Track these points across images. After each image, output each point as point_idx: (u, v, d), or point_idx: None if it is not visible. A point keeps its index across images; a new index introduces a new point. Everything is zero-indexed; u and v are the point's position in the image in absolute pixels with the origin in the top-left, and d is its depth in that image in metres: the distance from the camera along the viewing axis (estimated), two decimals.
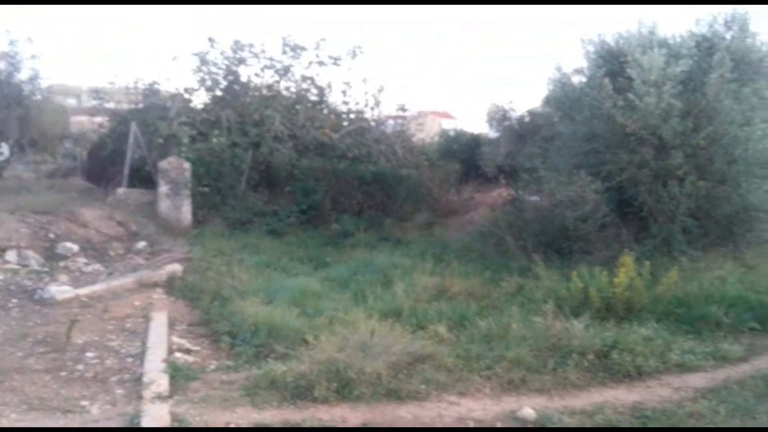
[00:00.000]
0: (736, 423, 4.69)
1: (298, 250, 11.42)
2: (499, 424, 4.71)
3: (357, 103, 16.08)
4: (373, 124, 16.05)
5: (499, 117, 14.53)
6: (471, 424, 4.71)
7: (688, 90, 8.49)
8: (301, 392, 5.03)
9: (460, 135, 19.00)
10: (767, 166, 8.61)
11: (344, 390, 5.03)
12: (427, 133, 19.09)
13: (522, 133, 13.40)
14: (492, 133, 16.98)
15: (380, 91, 15.93)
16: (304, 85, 15.75)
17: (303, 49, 15.40)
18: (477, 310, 7.18)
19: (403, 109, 16.64)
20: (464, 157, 16.69)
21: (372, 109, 16.00)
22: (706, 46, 8.89)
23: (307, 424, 4.57)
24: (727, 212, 8.55)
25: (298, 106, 15.05)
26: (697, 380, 5.64)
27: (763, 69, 8.99)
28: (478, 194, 15.72)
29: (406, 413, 4.85)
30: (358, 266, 9.66)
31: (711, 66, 8.38)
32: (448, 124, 23.46)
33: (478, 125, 17.46)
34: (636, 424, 4.72)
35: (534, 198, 11.47)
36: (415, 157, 15.36)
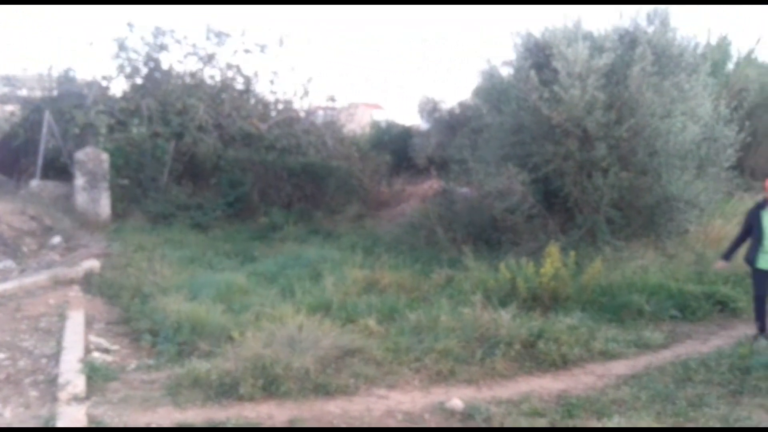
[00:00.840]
0: (656, 408, 4.80)
1: (225, 244, 11.09)
2: (427, 416, 4.67)
3: (285, 93, 15.76)
4: (302, 114, 15.76)
5: (430, 109, 14.54)
6: (399, 417, 4.65)
7: (611, 83, 8.66)
8: (225, 390, 4.88)
9: (391, 126, 18.93)
10: (687, 157, 8.90)
11: (271, 386, 4.91)
12: (359, 124, 18.95)
13: (453, 125, 13.45)
14: (423, 125, 17.00)
15: (309, 81, 15.67)
16: (230, 74, 15.29)
17: (228, 36, 14.95)
18: (407, 303, 7.15)
19: (333, 99, 16.42)
20: (395, 148, 16.64)
21: (301, 99, 15.72)
22: (628, 40, 9.10)
23: (232, 423, 4.42)
24: (649, 203, 8.78)
25: (223, 95, 14.61)
26: (620, 367, 5.78)
27: (682, 63, 9.26)
28: (409, 186, 15.71)
29: (334, 408, 4.76)
30: (287, 260, 9.46)
31: (633, 59, 8.57)
32: (380, 116, 23.34)
33: (410, 117, 17.46)
34: (561, 412, 4.76)
35: (464, 190, 11.52)
36: (345, 149, 15.17)
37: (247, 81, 15.49)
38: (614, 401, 4.96)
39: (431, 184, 14.80)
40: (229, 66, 15.18)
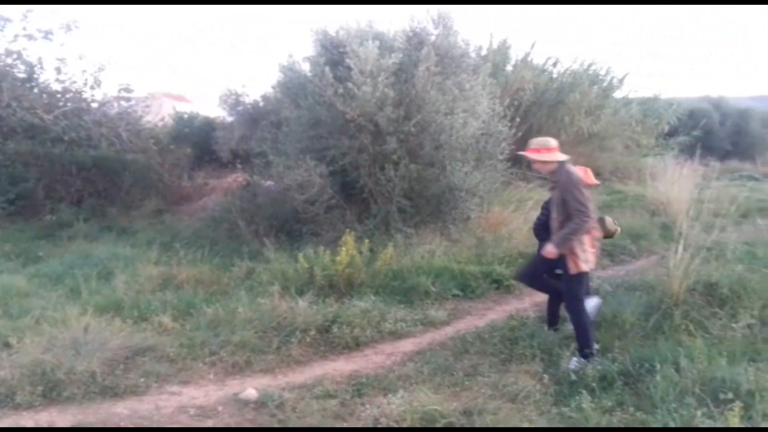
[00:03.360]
0: (437, 381, 5.21)
1: (4, 244, 10.11)
2: (220, 408, 4.71)
3: (74, 82, 14.56)
4: (94, 105, 14.70)
5: (233, 101, 14.30)
6: (192, 412, 4.64)
7: (400, 81, 9.20)
8: (1, 400, 4.58)
9: (193, 118, 18.32)
10: (467, 150, 9.73)
11: (52, 393, 4.70)
12: (159, 115, 18.08)
13: (256, 118, 13.35)
14: (228, 118, 16.66)
15: (101, 69, 14.64)
16: (9, 60, 13.82)
17: (7, 20, 13.52)
18: (205, 297, 7.07)
19: (127, 90, 15.47)
20: (198, 141, 16.17)
21: (92, 88, 14.64)
22: (415, 41, 9.70)
23: None
24: (435, 192, 9.47)
25: (2, 84, 13.18)
26: (407, 345, 6.20)
27: (463, 64, 10.09)
28: (212, 180, 15.37)
29: (122, 409, 4.63)
30: (75, 259, 8.88)
31: (419, 59, 9.19)
32: (183, 108, 22.39)
33: (215, 109, 16.98)
34: (351, 391, 5.03)
35: (269, 183, 11.56)
36: (142, 141, 14.41)
37: (30, 69, 14.09)
38: (400, 377, 5.31)
39: (235, 178, 14.63)
40: (9, 52, 13.72)
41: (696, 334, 5.58)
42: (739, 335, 5.61)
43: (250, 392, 4.90)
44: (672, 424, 4.03)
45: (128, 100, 15.50)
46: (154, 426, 4.40)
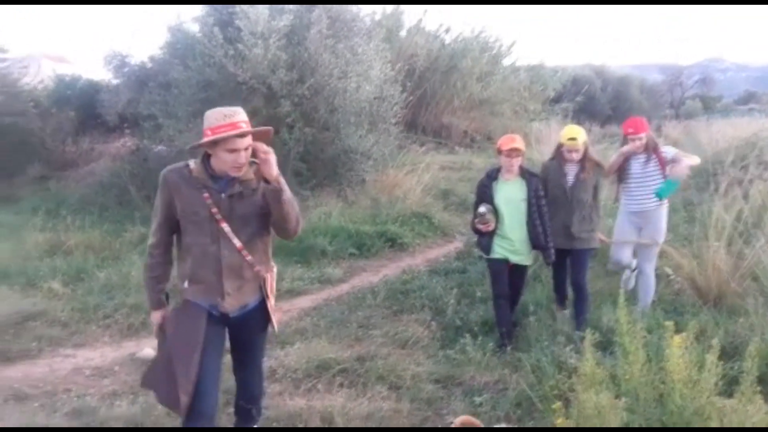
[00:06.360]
0: (333, 333, 5.45)
1: None
2: (117, 368, 4.73)
3: None
4: None
5: (118, 62, 13.68)
6: (88, 372, 4.65)
7: (292, 43, 9.21)
8: None
9: (75, 81, 17.34)
10: (361, 114, 9.93)
11: None
12: (38, 77, 17.00)
13: (143, 80, 12.86)
14: (113, 80, 15.91)
15: None
16: None
17: None
18: (96, 263, 6.96)
19: (2, 50, 14.47)
20: (81, 104, 15.34)
21: None
22: (307, 3, 9.71)
23: None
24: (331, 155, 9.63)
25: None
26: (304, 302, 6.39)
27: (355, 27, 10.22)
28: (99, 145, 14.72)
29: (15, 373, 4.59)
30: None
31: (311, 22, 9.22)
32: (64, 70, 21.10)
33: (99, 71, 16.12)
34: None
35: (160, 147, 11.26)
36: (21, 104, 13.58)
37: None
38: (297, 331, 5.49)
39: (124, 142, 14.11)
40: None
41: None
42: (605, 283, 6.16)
43: (148, 351, 4.93)
44: (544, 360, 4.46)
45: (3, 60, 14.51)
46: (49, 388, 4.36)
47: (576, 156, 5.06)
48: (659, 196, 5.18)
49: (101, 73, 15.15)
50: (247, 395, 3.34)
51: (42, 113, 13.76)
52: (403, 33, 17.09)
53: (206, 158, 2.95)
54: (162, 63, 10.87)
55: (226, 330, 3.12)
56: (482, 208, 4.80)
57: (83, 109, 14.82)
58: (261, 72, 8.70)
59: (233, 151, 2.80)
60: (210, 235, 2.93)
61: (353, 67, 9.69)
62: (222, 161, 2.85)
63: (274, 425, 3.77)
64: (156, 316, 3.13)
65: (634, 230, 5.44)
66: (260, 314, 3.13)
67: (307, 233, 8.09)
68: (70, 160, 13.59)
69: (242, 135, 2.78)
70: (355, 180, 10.05)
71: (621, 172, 5.34)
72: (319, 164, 9.69)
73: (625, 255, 5.57)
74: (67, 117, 13.99)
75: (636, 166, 5.26)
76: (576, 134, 5.07)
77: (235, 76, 8.74)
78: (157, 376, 3.00)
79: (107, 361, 4.86)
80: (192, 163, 2.97)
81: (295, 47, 9.10)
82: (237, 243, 2.94)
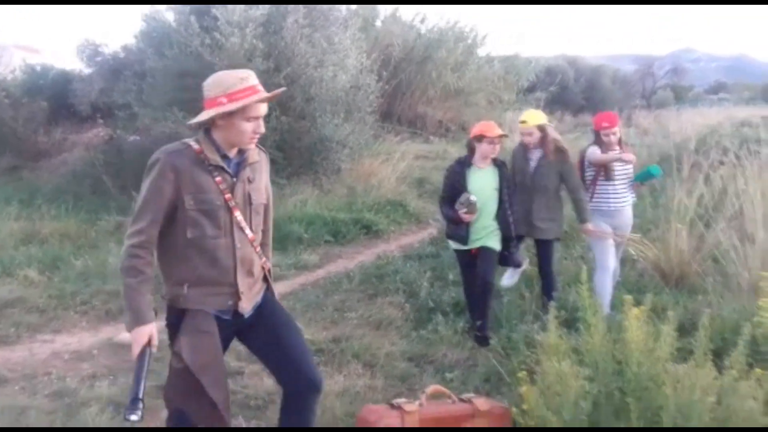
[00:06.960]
0: (309, 316, 5.57)
1: None
2: (95, 352, 4.79)
3: None
4: None
5: (91, 52, 13.59)
6: (67, 357, 4.70)
7: (269, 32, 9.25)
8: None
9: (47, 70, 17.16)
10: (337, 103, 10.01)
11: None
12: (9, 67, 16.80)
13: (117, 69, 12.80)
14: (85, 69, 15.77)
15: None
16: None
17: None
18: (72, 251, 6.99)
19: None
20: (53, 94, 15.19)
21: None
22: (283, 4, 9.74)
23: None
24: (307, 144, 9.70)
25: None
26: (281, 287, 6.41)
27: (331, 17, 10.28)
28: (72, 135, 14.60)
29: None
30: None
31: (288, 11, 9.27)
32: (34, 60, 20.83)
33: (70, 61, 15.95)
34: None
35: (134, 137, 11.25)
36: None
37: None
38: None
39: (97, 132, 14.02)
40: None
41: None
42: (572, 264, 6.36)
43: (126, 335, 4.95)
44: (515, 337, 4.61)
45: None
46: (29, 371, 4.42)
47: (530, 139, 4.99)
48: (640, 179, 5.33)
49: (72, 63, 15.06)
50: (309, 380, 2.65)
51: (13, 103, 13.60)
52: (378, 23, 17.15)
53: (208, 134, 2.53)
54: (137, 52, 10.84)
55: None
56: (472, 197, 4.62)
57: (55, 99, 14.68)
58: (238, 61, 8.72)
59: (255, 118, 2.49)
60: (223, 226, 2.51)
61: (329, 57, 9.76)
62: (239, 131, 2.47)
63: (252, 403, 3.89)
64: (144, 334, 2.48)
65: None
66: (268, 297, 2.81)
67: (284, 221, 8.19)
68: (42, 150, 13.47)
69: (267, 99, 2.51)
70: (330, 168, 10.14)
71: (608, 172, 5.09)
72: (295, 153, 9.75)
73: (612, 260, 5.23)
74: (39, 107, 13.84)
75: (618, 164, 5.08)
76: (527, 117, 5.03)
77: (212, 64, 8.74)
78: (185, 398, 2.52)
79: (85, 346, 4.91)
80: (194, 143, 2.51)
81: (271, 36, 9.15)
82: (249, 234, 2.58)
